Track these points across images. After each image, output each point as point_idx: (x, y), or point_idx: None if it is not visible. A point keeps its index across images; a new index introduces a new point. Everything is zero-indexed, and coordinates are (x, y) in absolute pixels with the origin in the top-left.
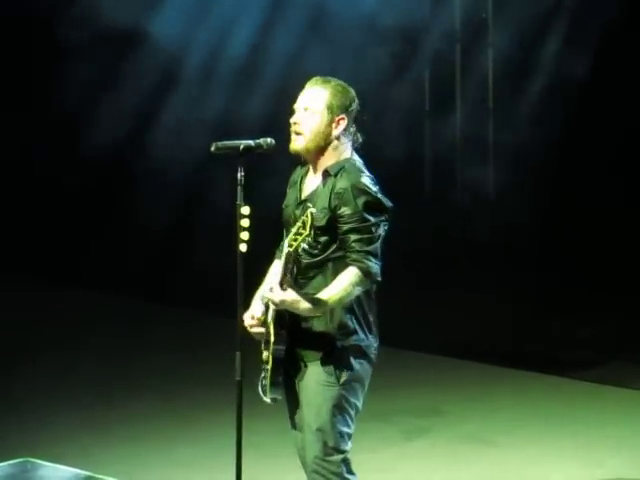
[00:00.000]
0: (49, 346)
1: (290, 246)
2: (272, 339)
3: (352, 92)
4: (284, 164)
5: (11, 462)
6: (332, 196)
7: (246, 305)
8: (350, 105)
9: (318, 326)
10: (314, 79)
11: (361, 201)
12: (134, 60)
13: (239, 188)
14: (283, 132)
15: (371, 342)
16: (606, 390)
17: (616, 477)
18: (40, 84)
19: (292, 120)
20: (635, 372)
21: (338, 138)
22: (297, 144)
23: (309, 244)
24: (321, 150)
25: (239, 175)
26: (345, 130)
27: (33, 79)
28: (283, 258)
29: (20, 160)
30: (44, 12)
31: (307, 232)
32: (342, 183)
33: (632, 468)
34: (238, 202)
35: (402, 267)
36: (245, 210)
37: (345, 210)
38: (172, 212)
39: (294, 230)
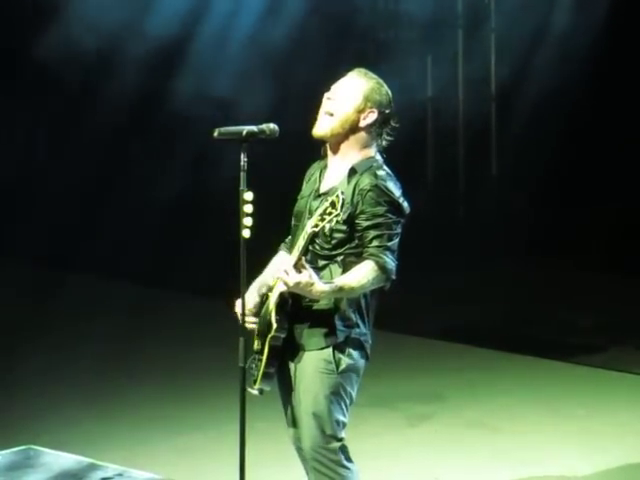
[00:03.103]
0: (51, 333)
1: (315, 226)
2: (274, 326)
3: (390, 95)
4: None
5: (14, 449)
6: (355, 192)
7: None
8: (385, 105)
9: (321, 315)
10: (358, 69)
11: (383, 201)
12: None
13: (242, 174)
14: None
15: (368, 337)
16: (610, 375)
17: (620, 463)
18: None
19: (327, 95)
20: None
21: (363, 130)
22: (323, 126)
23: (325, 237)
24: (344, 136)
25: (242, 160)
26: (372, 126)
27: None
28: (303, 239)
29: (17, 146)
30: None
31: (337, 212)
32: (366, 181)
33: (636, 454)
34: (241, 188)
35: (402, 251)
36: (248, 196)
37: (367, 207)
38: (172, 195)
39: (319, 211)
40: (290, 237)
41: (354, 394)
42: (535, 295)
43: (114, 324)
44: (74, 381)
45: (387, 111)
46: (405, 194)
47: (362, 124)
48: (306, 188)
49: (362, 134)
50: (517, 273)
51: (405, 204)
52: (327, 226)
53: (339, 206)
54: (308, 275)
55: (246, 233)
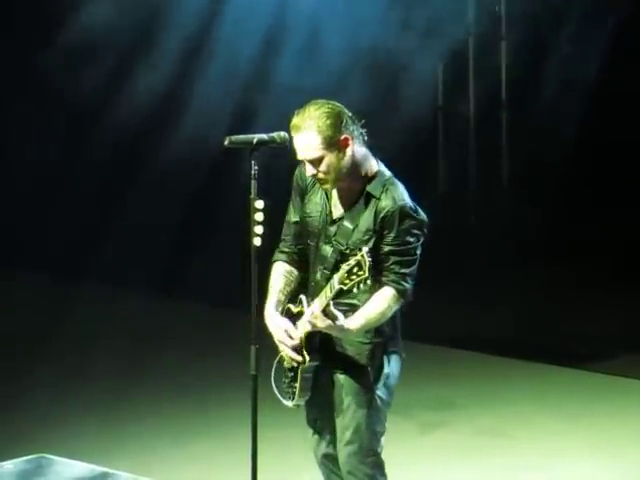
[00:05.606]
0: (62, 342)
1: (344, 284)
2: (306, 358)
3: (332, 106)
4: None
5: (26, 458)
6: (377, 218)
7: (260, 305)
8: (341, 122)
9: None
10: (294, 121)
11: (405, 225)
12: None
13: (253, 182)
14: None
15: (398, 341)
16: (625, 383)
17: (636, 470)
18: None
19: (308, 175)
20: None
21: (355, 156)
22: (326, 187)
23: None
24: (349, 175)
25: (253, 169)
26: (355, 145)
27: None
28: (330, 291)
29: (27, 155)
30: None
31: (366, 275)
32: (386, 204)
33: None
34: (252, 196)
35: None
36: (259, 204)
37: (388, 232)
38: (182, 206)
39: (346, 268)
40: (286, 248)
41: (391, 400)
42: (546, 302)
43: (126, 334)
44: (85, 390)
45: (345, 120)
46: (415, 201)
47: (349, 153)
48: (311, 204)
49: (356, 159)
50: (528, 281)
51: (423, 215)
52: (358, 285)
53: (367, 269)
54: (338, 320)
55: (257, 241)
